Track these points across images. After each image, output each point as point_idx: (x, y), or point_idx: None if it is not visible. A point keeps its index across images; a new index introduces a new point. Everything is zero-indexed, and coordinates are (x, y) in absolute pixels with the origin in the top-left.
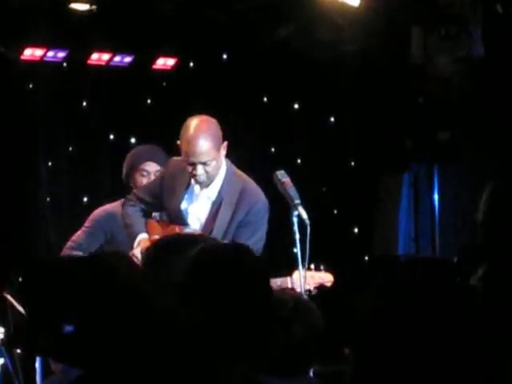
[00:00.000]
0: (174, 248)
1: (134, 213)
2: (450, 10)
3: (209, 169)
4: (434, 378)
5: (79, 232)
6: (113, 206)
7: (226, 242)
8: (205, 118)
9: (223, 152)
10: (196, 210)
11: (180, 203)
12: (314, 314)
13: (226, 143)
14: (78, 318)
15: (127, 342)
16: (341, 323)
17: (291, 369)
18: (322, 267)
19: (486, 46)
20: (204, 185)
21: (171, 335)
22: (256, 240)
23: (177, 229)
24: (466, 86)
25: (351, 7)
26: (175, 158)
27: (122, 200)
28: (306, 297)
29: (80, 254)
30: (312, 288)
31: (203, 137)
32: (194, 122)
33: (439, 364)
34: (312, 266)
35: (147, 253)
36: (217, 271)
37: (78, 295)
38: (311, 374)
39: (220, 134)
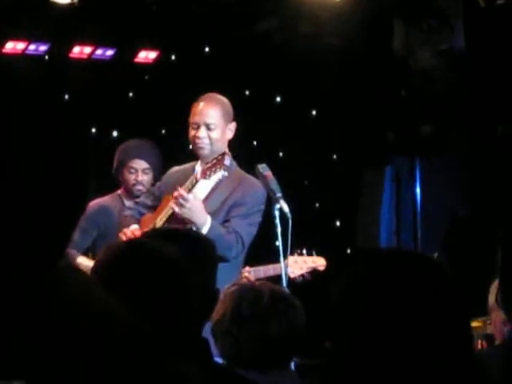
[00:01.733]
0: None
1: (130, 215)
2: (431, 3)
3: (212, 134)
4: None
5: None
6: (104, 200)
7: (218, 219)
8: (216, 94)
9: (230, 132)
10: (196, 191)
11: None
12: (295, 308)
13: (234, 124)
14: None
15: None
16: (321, 315)
17: (270, 363)
18: (313, 252)
19: (468, 39)
20: (206, 153)
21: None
22: (247, 224)
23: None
24: (448, 79)
25: (333, 0)
26: (177, 167)
27: (114, 193)
28: (287, 289)
29: (73, 250)
30: (305, 273)
31: (212, 100)
32: (208, 94)
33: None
34: (304, 251)
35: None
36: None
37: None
38: (292, 366)
39: (230, 109)
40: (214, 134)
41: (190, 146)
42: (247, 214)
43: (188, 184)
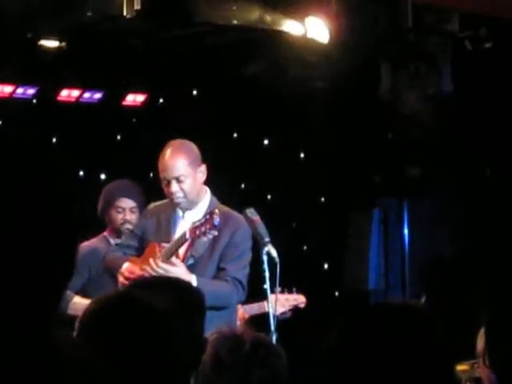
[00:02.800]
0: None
1: (115, 256)
2: (419, 47)
3: (184, 186)
4: None
5: None
6: (92, 242)
7: (208, 263)
8: (181, 140)
9: (202, 175)
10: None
11: (170, 236)
12: (276, 355)
13: (204, 166)
14: None
15: None
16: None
17: None
18: (294, 289)
19: (455, 82)
20: (184, 205)
21: None
22: (243, 266)
23: (156, 247)
24: (436, 123)
25: (320, 44)
26: (152, 204)
27: (100, 235)
28: (274, 333)
29: (68, 291)
30: (287, 310)
31: (175, 152)
32: (168, 143)
33: None
34: (285, 289)
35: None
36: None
37: None
38: None
39: (196, 154)
40: (186, 186)
41: None
42: (240, 255)
43: (171, 247)
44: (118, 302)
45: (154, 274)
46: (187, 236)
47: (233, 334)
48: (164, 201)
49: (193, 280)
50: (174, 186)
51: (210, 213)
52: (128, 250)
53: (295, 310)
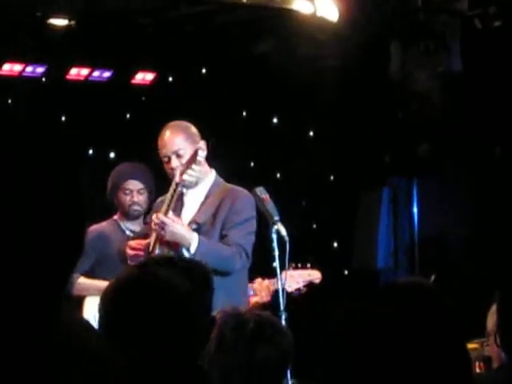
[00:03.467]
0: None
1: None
2: (429, 25)
3: (184, 161)
4: None
5: None
6: (102, 226)
7: (211, 231)
8: (178, 121)
9: (201, 151)
10: (185, 211)
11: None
12: (281, 334)
13: (203, 142)
14: None
15: None
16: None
17: None
18: (308, 265)
19: (465, 61)
20: (185, 182)
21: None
22: (246, 233)
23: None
24: (445, 101)
25: (330, 22)
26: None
27: (110, 219)
28: (284, 314)
29: (73, 274)
30: (301, 286)
31: (173, 129)
32: (166, 125)
33: None
34: (299, 265)
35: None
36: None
37: None
38: None
39: (193, 131)
40: (184, 159)
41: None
42: (242, 222)
43: (167, 201)
44: (140, 278)
45: (156, 228)
46: (176, 179)
47: (237, 313)
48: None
49: (194, 238)
50: (174, 162)
51: (194, 150)
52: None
53: (310, 285)
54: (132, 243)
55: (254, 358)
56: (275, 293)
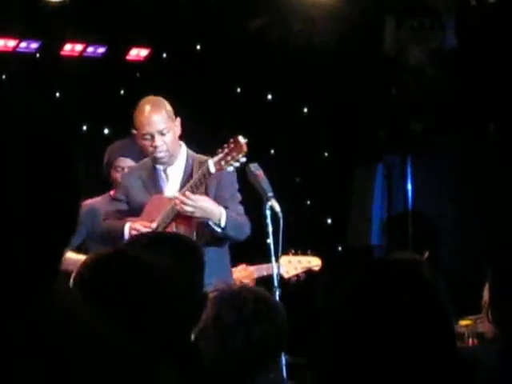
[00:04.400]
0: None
1: (111, 222)
2: (422, 1)
3: (167, 139)
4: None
5: None
6: (95, 201)
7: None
8: (154, 97)
9: (178, 129)
10: (168, 189)
11: (160, 191)
12: (276, 309)
13: (179, 120)
14: None
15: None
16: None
17: (256, 367)
18: (308, 251)
19: (459, 37)
20: (165, 160)
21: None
22: (239, 202)
23: (164, 199)
24: (439, 77)
25: None
26: (129, 168)
27: (106, 195)
28: (278, 290)
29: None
30: (300, 273)
31: (156, 107)
32: (143, 100)
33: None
34: (299, 251)
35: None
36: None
37: None
38: (284, 365)
39: (170, 107)
40: (168, 138)
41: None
42: (234, 193)
43: (192, 183)
44: (107, 258)
45: (184, 206)
46: (212, 170)
47: (233, 292)
48: (139, 163)
49: (223, 212)
50: (158, 140)
51: (233, 139)
52: (120, 216)
53: (309, 272)
54: (136, 225)
55: (252, 337)
56: (263, 279)
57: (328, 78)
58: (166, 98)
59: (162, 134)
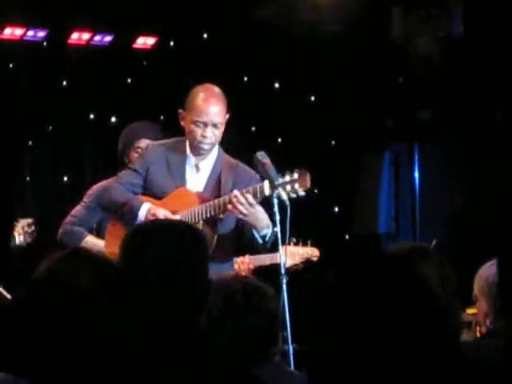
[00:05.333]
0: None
1: (125, 191)
2: None
3: (217, 133)
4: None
5: (78, 207)
6: (109, 182)
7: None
8: (215, 86)
9: (224, 125)
10: (194, 182)
11: (183, 180)
12: (268, 298)
13: (227, 116)
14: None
15: (79, 352)
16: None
17: (251, 357)
18: (308, 242)
19: (466, 25)
20: (205, 152)
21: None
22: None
23: (195, 196)
24: (446, 66)
25: None
26: (151, 142)
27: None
28: (285, 277)
29: (81, 228)
30: (299, 263)
31: (218, 98)
32: (206, 86)
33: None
34: (300, 241)
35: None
36: None
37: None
38: (291, 354)
39: (226, 101)
40: (218, 133)
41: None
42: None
43: (253, 191)
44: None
45: (239, 206)
46: (266, 193)
47: (223, 284)
48: (168, 141)
49: (270, 226)
50: (210, 131)
51: (300, 171)
52: (134, 189)
53: (307, 262)
54: (158, 212)
55: (243, 328)
56: (264, 269)
57: (335, 66)
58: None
59: (215, 126)
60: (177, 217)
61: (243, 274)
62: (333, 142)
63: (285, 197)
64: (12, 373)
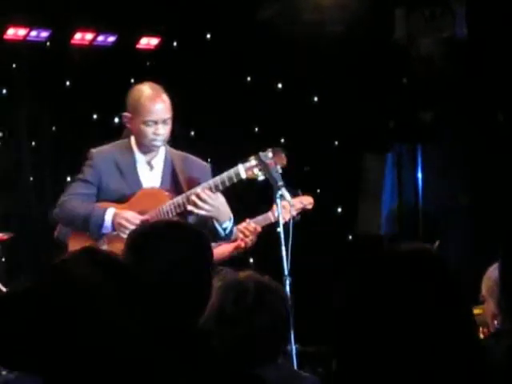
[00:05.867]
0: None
1: (81, 203)
2: None
3: (167, 129)
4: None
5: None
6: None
7: None
8: (153, 83)
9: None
10: (148, 179)
11: (138, 181)
12: (280, 299)
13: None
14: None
15: (88, 348)
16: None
17: (260, 358)
18: (299, 192)
19: (469, 26)
20: (159, 147)
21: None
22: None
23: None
24: (449, 67)
25: None
26: (94, 149)
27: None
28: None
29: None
30: (295, 214)
31: (162, 95)
32: (147, 85)
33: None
34: (290, 193)
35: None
36: None
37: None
38: (294, 353)
39: None
40: (169, 128)
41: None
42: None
43: (222, 181)
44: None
45: (201, 204)
46: (242, 175)
47: (237, 282)
48: (110, 145)
49: (231, 217)
50: (161, 129)
51: (272, 150)
52: (88, 199)
53: (303, 212)
54: (126, 215)
55: (255, 328)
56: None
57: (338, 66)
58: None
59: (165, 122)
60: (146, 217)
61: (251, 237)
62: (335, 143)
63: (289, 197)
64: (14, 370)
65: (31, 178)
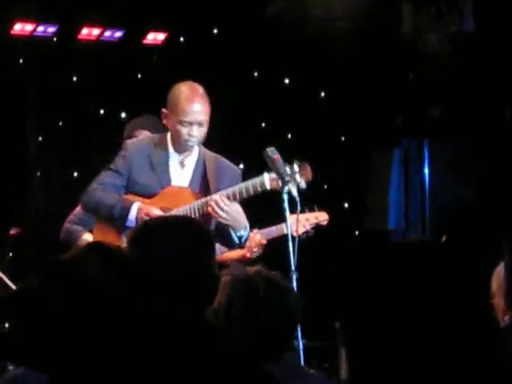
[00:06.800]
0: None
1: (110, 193)
2: None
3: (202, 131)
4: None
5: (79, 208)
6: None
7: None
8: (195, 83)
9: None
10: (179, 178)
11: (168, 178)
12: (290, 297)
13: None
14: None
15: (96, 345)
16: (329, 299)
17: (268, 354)
18: (315, 207)
19: (477, 21)
20: (191, 148)
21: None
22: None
23: (188, 192)
24: (457, 63)
25: None
26: (129, 140)
27: None
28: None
29: (79, 227)
30: (309, 229)
31: (202, 96)
32: (188, 85)
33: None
34: (306, 208)
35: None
36: None
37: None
38: (301, 349)
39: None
40: (204, 131)
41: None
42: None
43: (244, 190)
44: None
45: (218, 211)
46: (267, 186)
47: (246, 278)
48: (147, 138)
49: (247, 228)
50: (195, 130)
51: (300, 163)
52: (117, 190)
53: (317, 227)
54: (150, 211)
55: (263, 324)
56: (273, 241)
57: (345, 62)
58: (183, 81)
59: (200, 124)
60: (167, 215)
61: (255, 249)
62: (343, 138)
63: (295, 193)
64: (23, 365)
65: (38, 174)
